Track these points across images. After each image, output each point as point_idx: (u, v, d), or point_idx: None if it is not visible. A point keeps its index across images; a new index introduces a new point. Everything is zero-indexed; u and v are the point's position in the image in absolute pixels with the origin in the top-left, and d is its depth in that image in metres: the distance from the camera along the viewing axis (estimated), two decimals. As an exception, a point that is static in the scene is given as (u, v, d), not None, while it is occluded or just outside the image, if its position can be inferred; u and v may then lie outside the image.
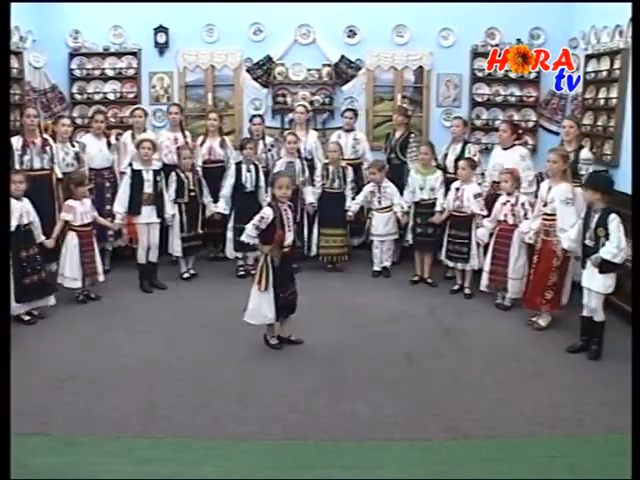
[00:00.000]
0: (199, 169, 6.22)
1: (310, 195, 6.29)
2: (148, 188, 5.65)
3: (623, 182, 4.84)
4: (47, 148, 5.56)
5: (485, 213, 5.52)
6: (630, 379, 3.24)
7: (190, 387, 3.89)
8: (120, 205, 5.61)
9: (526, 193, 5.54)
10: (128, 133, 6.34)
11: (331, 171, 6.29)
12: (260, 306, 4.38)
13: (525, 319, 5.09)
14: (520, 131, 6.25)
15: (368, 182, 6.32)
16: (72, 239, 5.30)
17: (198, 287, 5.92)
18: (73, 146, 5.87)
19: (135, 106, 6.52)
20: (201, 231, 6.09)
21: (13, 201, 4.66)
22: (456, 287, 5.80)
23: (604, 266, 4.11)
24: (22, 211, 4.78)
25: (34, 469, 3.02)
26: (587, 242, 4.24)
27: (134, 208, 5.63)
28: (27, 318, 4.88)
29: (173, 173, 5.95)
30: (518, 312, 5.22)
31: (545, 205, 4.82)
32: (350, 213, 6.26)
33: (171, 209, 5.86)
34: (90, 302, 5.42)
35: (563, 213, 4.60)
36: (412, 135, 6.55)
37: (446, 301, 5.55)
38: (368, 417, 3.56)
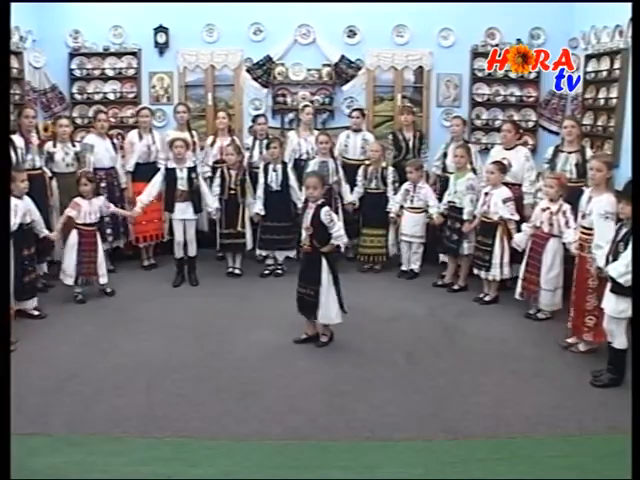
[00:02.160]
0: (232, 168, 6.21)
1: (348, 194, 6.29)
2: (182, 186, 5.76)
3: (623, 182, 4.83)
4: (43, 148, 5.60)
5: (517, 218, 5.28)
6: (630, 379, 3.24)
7: (190, 387, 3.89)
8: (145, 195, 5.73)
9: (527, 193, 5.55)
10: (134, 132, 6.38)
11: (370, 171, 6.26)
12: None
13: (525, 320, 5.10)
14: (521, 131, 6.15)
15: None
16: (72, 237, 5.35)
17: (199, 287, 5.92)
18: (74, 146, 5.89)
19: (142, 106, 6.58)
20: (241, 229, 6.06)
21: (17, 200, 4.69)
22: (482, 295, 5.60)
23: (614, 285, 3.74)
24: (25, 210, 4.81)
25: (34, 469, 3.02)
26: (610, 257, 3.86)
27: (168, 205, 5.78)
28: (37, 313, 4.97)
29: (218, 170, 6.03)
30: (518, 313, 5.22)
31: (584, 217, 4.40)
32: (392, 215, 6.22)
33: (213, 203, 5.92)
34: (85, 303, 5.40)
35: (601, 228, 4.11)
36: (424, 135, 6.52)
37: (446, 301, 5.55)
38: (368, 417, 3.56)
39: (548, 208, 4.92)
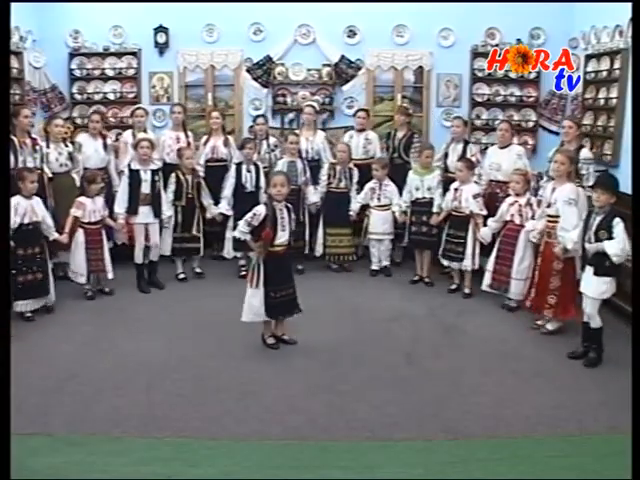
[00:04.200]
0: (200, 170, 6.18)
1: (313, 195, 6.29)
2: (145, 188, 5.65)
3: (623, 182, 4.82)
4: (37, 148, 5.52)
5: (485, 213, 5.52)
6: (630, 379, 3.24)
7: (190, 387, 3.90)
8: (119, 206, 5.64)
9: None
10: (129, 132, 6.35)
11: (338, 171, 6.28)
12: (251, 304, 4.42)
13: (525, 320, 5.10)
14: (513, 131, 6.14)
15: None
16: (79, 236, 5.40)
17: (198, 287, 5.92)
18: (67, 146, 5.85)
19: (136, 106, 6.54)
20: (196, 233, 6.02)
21: (21, 199, 4.78)
22: (453, 286, 5.79)
23: (600, 268, 4.07)
24: (27, 210, 4.82)
25: (34, 469, 3.02)
26: (586, 245, 4.16)
27: (131, 208, 5.65)
28: (29, 315, 4.93)
29: (173, 174, 5.92)
30: (518, 312, 5.22)
31: (549, 206, 4.74)
32: (352, 212, 6.28)
33: (168, 210, 5.83)
34: (92, 300, 5.44)
35: (565, 213, 4.54)
36: (415, 135, 6.52)
37: (446, 301, 5.55)
38: (368, 417, 3.56)
39: (516, 202, 5.23)
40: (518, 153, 5.80)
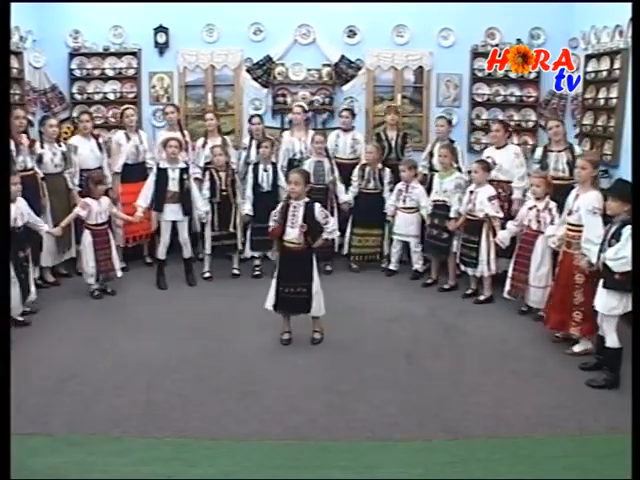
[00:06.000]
0: (234, 168, 6.22)
1: (344, 194, 6.30)
2: (173, 186, 5.70)
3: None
4: (34, 148, 5.52)
5: (501, 215, 5.39)
6: (630, 379, 3.24)
7: (190, 387, 3.90)
8: (142, 200, 5.69)
9: (516, 187, 5.70)
10: (121, 133, 6.34)
11: (367, 172, 6.27)
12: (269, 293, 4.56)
13: (525, 320, 5.11)
14: (510, 129, 6.16)
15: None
16: (87, 237, 5.43)
17: (201, 287, 5.91)
18: (60, 146, 5.82)
19: (125, 106, 6.49)
20: (233, 230, 6.03)
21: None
22: (469, 292, 5.68)
23: (607, 280, 3.85)
24: (16, 213, 4.74)
25: (34, 469, 3.03)
26: (601, 255, 3.91)
27: (158, 205, 5.70)
28: (21, 319, 4.82)
29: (207, 172, 5.99)
30: (517, 312, 5.23)
31: (570, 213, 4.45)
32: (389, 217, 6.26)
33: (204, 206, 5.86)
34: (99, 299, 5.45)
35: (589, 223, 4.20)
36: (407, 134, 6.60)
37: (446, 301, 5.55)
38: (368, 417, 3.56)
39: (535, 206, 5.02)
40: (515, 152, 5.84)
